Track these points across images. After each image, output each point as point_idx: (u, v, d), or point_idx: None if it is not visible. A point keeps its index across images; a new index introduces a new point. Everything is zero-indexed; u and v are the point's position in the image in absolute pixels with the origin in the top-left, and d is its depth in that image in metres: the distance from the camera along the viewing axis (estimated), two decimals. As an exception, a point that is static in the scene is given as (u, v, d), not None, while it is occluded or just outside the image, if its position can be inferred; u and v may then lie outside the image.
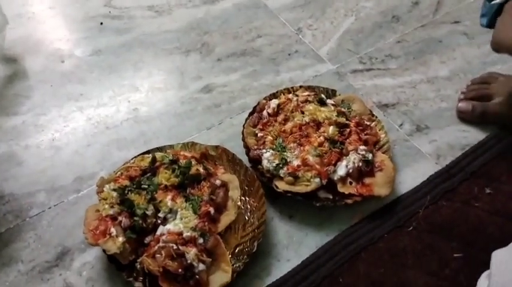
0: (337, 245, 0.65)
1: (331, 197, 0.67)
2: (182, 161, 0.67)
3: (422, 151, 0.77)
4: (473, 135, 0.79)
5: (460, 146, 0.77)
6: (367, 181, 0.68)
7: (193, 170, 0.66)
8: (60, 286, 0.62)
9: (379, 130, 0.76)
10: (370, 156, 0.69)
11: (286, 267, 0.64)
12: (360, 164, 0.68)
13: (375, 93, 0.86)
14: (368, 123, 0.76)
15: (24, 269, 0.64)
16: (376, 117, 0.78)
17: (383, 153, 0.72)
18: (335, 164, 0.68)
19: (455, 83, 0.87)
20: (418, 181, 0.72)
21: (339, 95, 0.81)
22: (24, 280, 0.63)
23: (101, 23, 1.00)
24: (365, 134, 0.73)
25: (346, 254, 0.65)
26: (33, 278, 0.63)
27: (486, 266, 0.52)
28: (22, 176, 0.74)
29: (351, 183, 0.67)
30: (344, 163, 0.68)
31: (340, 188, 0.67)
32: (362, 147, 0.70)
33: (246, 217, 0.66)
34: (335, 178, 0.67)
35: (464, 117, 0.81)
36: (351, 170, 0.67)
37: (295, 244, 0.66)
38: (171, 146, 0.73)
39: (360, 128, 0.74)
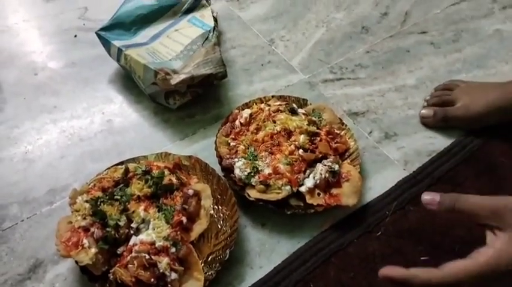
0: (308, 251, 0.67)
1: (302, 204, 0.69)
2: (155, 172, 0.68)
3: (390, 158, 0.79)
4: (440, 142, 0.81)
5: (426, 152, 0.80)
6: (334, 191, 0.70)
7: (166, 180, 0.67)
8: (33, 298, 0.62)
9: (349, 138, 0.78)
10: (336, 167, 0.71)
11: (259, 274, 0.65)
12: (327, 175, 0.69)
13: (345, 102, 0.88)
14: (338, 131, 0.78)
15: (-5, 283, 0.63)
16: (346, 125, 0.80)
17: (352, 160, 0.75)
18: (305, 171, 0.70)
19: (422, 91, 0.90)
20: (387, 186, 0.74)
21: (310, 104, 0.83)
22: (-4, 294, 0.63)
23: (75, 36, 1.00)
24: (335, 143, 0.75)
25: (317, 259, 0.66)
26: (5, 292, 0.63)
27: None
28: (-6, 189, 0.74)
29: (319, 194, 0.69)
30: (312, 175, 0.70)
31: (309, 200, 0.68)
32: (329, 159, 0.71)
33: (219, 226, 0.67)
34: (303, 190, 0.69)
35: (427, 122, 0.84)
36: (318, 181, 0.69)
37: (267, 251, 0.67)
38: (144, 157, 0.74)
39: (331, 136, 0.76)
